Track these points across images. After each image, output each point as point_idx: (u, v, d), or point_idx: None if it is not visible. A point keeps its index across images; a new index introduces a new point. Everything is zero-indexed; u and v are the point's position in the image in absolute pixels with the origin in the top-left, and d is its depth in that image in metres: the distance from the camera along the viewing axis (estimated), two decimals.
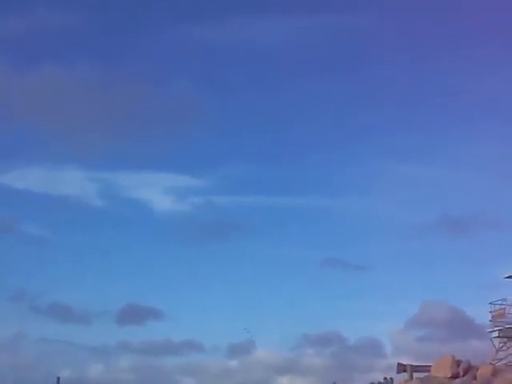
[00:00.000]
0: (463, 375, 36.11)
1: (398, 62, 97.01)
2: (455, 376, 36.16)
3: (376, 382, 42.36)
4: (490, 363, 38.37)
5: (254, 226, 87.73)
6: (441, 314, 63.84)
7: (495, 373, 35.28)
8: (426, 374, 37.90)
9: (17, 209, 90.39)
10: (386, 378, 41.44)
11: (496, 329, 42.49)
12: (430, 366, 38.11)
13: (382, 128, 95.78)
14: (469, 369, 36.44)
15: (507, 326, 42.08)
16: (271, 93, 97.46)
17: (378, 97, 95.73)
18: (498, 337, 42.26)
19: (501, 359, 41.02)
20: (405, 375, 38.90)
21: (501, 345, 42.15)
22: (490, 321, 43.22)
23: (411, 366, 38.93)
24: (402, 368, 39.15)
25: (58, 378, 51.52)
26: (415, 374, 38.36)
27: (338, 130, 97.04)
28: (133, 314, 75.12)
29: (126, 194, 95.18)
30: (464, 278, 74.58)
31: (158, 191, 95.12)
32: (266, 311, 78.62)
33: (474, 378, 35.48)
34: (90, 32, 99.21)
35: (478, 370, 36.09)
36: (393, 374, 40.49)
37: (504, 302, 42.73)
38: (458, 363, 36.73)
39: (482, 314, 44.84)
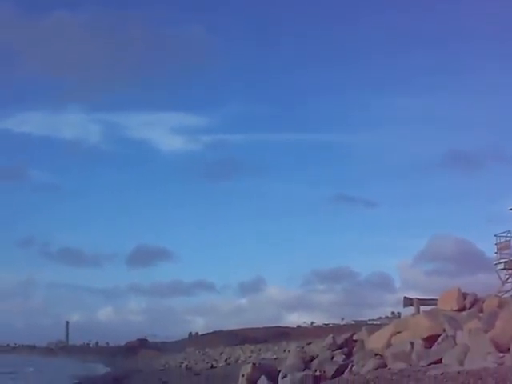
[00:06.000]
0: (470, 308, 36.37)
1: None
2: (462, 309, 36.35)
3: (384, 316, 42.91)
4: (496, 295, 38.66)
5: (263, 163, 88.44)
6: (449, 248, 64.45)
7: (501, 305, 35.48)
8: (433, 307, 38.25)
9: (22, 155, 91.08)
10: (393, 313, 41.98)
11: (502, 261, 42.74)
12: (436, 299, 38.39)
13: (389, 65, 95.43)
14: (475, 301, 36.62)
15: None
16: (281, 36, 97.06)
17: (382, 36, 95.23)
18: (504, 269, 42.55)
19: (507, 291, 41.33)
20: (412, 309, 39.28)
21: (506, 277, 42.47)
22: (496, 253, 43.50)
23: (418, 299, 39.21)
24: (408, 302, 39.47)
25: (67, 323, 52.28)
26: (422, 308, 38.69)
27: (345, 69, 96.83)
28: (143, 256, 76.41)
29: (132, 134, 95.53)
30: (473, 213, 75.41)
31: (164, 131, 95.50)
32: (276, 249, 79.70)
33: (481, 310, 35.67)
34: None
35: (484, 302, 36.36)
36: (400, 309, 40.95)
37: (509, 235, 42.83)
38: (464, 296, 36.93)
39: (490, 248, 45.19)
